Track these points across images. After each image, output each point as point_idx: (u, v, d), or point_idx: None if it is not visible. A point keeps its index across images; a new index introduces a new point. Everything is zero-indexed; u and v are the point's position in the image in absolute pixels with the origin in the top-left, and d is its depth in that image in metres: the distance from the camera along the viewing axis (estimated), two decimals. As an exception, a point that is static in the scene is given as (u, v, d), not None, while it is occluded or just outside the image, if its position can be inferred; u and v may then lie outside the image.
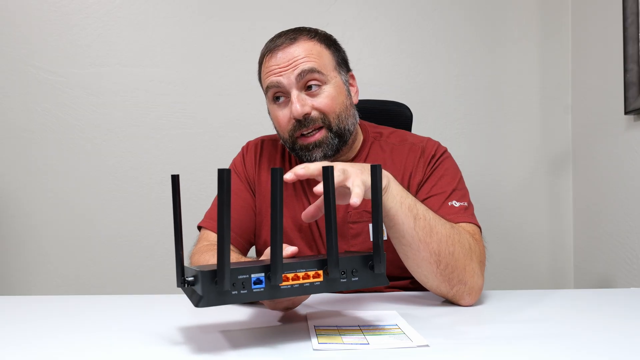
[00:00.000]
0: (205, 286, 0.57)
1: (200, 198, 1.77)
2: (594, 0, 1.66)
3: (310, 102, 0.98)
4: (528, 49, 1.81)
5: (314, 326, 0.70)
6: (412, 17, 1.80)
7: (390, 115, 1.39)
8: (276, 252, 0.58)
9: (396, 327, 0.70)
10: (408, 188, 1.04)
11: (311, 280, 0.61)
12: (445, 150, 1.08)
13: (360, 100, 1.48)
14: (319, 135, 0.99)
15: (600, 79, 1.62)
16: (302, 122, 0.98)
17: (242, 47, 1.78)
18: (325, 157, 1.00)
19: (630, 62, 1.41)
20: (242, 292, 0.58)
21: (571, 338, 0.66)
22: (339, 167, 0.77)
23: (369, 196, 0.82)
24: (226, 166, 1.28)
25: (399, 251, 0.87)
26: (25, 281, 1.77)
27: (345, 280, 0.63)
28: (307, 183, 1.08)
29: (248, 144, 1.16)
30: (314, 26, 1.08)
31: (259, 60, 1.05)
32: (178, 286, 0.62)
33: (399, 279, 1.05)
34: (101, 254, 1.77)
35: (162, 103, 1.78)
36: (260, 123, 1.75)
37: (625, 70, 1.43)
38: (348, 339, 0.64)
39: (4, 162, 1.76)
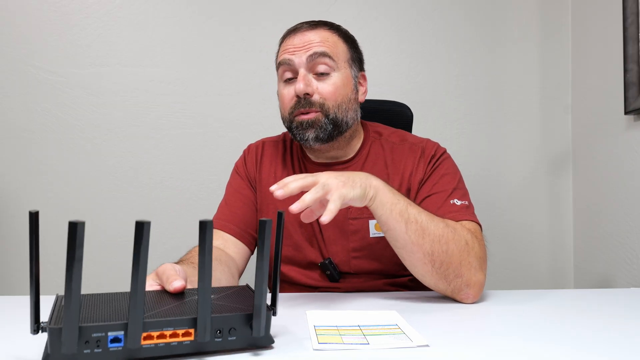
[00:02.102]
0: (54, 344, 0.51)
1: (200, 198, 1.77)
2: (594, 0, 1.66)
3: (315, 84, 1.02)
4: (528, 49, 1.81)
5: (314, 326, 0.70)
6: (412, 17, 1.80)
7: (390, 115, 1.39)
8: (136, 307, 0.51)
9: (396, 327, 0.70)
10: (409, 187, 1.05)
11: (180, 339, 0.55)
12: (445, 151, 1.09)
13: (360, 100, 1.47)
14: (313, 116, 1.01)
15: (600, 79, 1.61)
16: (302, 101, 1.01)
17: (242, 47, 1.78)
18: (317, 139, 1.02)
19: (630, 62, 1.41)
20: (96, 351, 0.52)
21: (571, 338, 0.65)
22: (321, 181, 0.79)
23: (357, 204, 0.84)
24: (227, 166, 1.28)
25: (396, 252, 0.89)
26: (25, 281, 1.77)
27: (220, 339, 0.57)
28: None
29: (249, 146, 1.18)
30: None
31: (279, 42, 1.10)
32: (32, 333, 0.54)
33: (398, 277, 1.06)
34: (101, 254, 1.77)
35: (162, 103, 1.78)
36: (260, 123, 1.76)
37: (625, 70, 1.43)
38: (348, 338, 0.64)
39: (4, 162, 1.76)
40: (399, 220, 0.84)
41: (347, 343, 0.63)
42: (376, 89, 1.78)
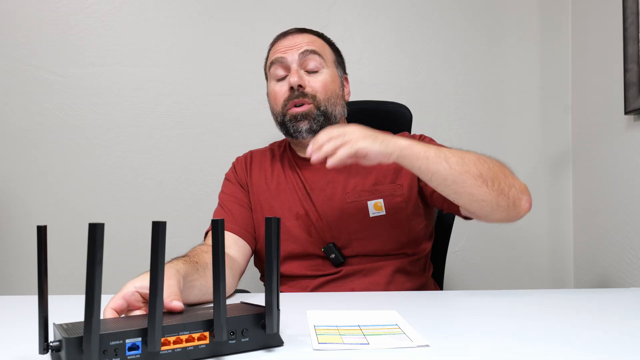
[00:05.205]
0: (71, 355, 0.50)
1: (199, 198, 1.77)
2: (594, 0, 1.66)
3: (307, 79, 1.09)
4: (528, 49, 1.81)
5: (314, 326, 0.70)
6: (412, 17, 1.80)
7: (390, 116, 1.39)
8: (155, 313, 0.51)
9: (396, 327, 0.70)
10: None
11: (195, 343, 0.55)
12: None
13: (360, 101, 1.49)
14: (306, 108, 1.08)
15: (600, 79, 1.61)
16: (296, 92, 1.08)
17: (242, 47, 1.78)
18: (310, 130, 1.09)
19: (630, 62, 1.41)
20: None
21: (571, 338, 0.65)
22: (346, 133, 0.85)
23: (381, 160, 0.88)
24: (227, 166, 1.29)
25: (449, 195, 0.94)
26: (25, 281, 1.77)
27: (234, 341, 0.58)
28: (302, 175, 1.14)
29: (237, 158, 1.25)
30: (313, 26, 1.21)
31: (269, 48, 1.17)
32: (40, 353, 0.53)
33: (398, 257, 1.08)
34: (101, 254, 1.77)
35: (162, 103, 1.78)
36: (260, 123, 1.75)
37: (625, 70, 1.43)
38: (348, 338, 0.64)
39: (4, 162, 1.76)
40: (438, 161, 0.90)
41: (347, 343, 0.63)
42: (376, 89, 1.78)
